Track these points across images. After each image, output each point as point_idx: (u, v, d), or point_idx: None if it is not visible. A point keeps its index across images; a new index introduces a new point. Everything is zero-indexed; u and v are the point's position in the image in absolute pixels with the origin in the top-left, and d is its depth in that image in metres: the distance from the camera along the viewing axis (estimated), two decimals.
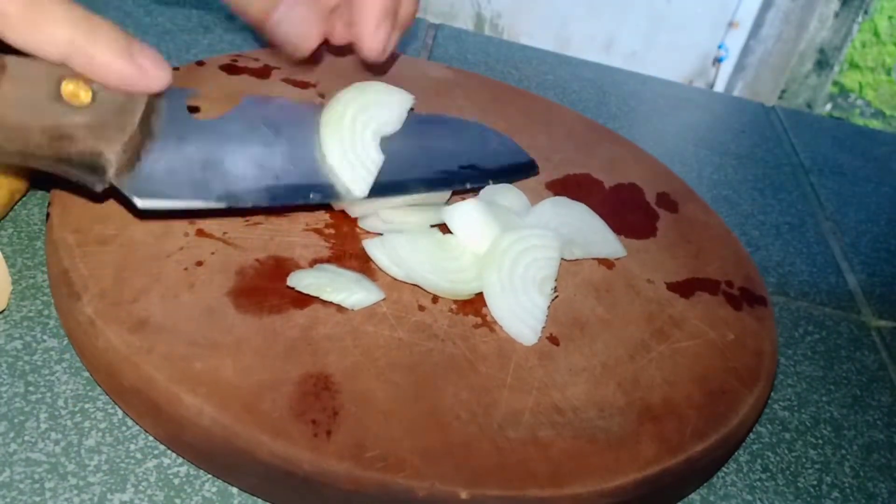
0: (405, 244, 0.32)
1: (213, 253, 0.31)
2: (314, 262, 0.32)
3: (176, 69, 0.42)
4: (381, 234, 0.34)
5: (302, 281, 0.30)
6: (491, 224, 0.33)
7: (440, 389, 0.28)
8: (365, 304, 0.31)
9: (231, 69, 0.43)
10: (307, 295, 0.31)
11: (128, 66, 0.27)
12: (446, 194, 0.37)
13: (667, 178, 0.46)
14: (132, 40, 0.27)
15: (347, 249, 0.34)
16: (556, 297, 0.34)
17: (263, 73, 0.44)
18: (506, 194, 0.38)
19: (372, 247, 0.33)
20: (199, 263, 0.31)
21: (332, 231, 0.34)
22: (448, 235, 0.34)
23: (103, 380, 0.28)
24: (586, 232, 0.37)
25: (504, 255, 0.32)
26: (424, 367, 0.29)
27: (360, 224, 0.35)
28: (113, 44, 0.26)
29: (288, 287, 0.31)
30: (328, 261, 0.33)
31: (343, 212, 0.36)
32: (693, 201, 0.44)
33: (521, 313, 0.32)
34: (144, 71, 0.27)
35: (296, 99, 0.32)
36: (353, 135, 0.33)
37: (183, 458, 0.27)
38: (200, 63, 0.43)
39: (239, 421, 0.25)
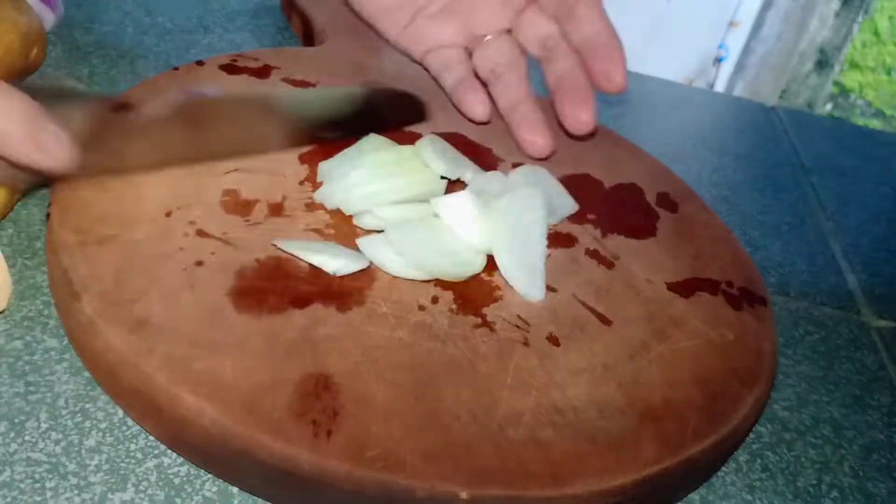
0: (406, 232, 0.33)
1: (212, 253, 0.31)
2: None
3: (175, 69, 0.42)
4: (379, 231, 0.34)
5: (289, 244, 0.32)
6: (483, 214, 0.34)
7: (440, 390, 0.28)
8: (346, 271, 0.31)
9: (231, 69, 0.43)
10: (307, 294, 0.31)
11: (30, 143, 0.27)
12: (441, 187, 0.37)
13: (667, 178, 0.46)
14: (38, 116, 0.28)
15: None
16: (549, 255, 0.36)
17: (263, 72, 0.44)
18: (494, 182, 0.39)
19: (367, 244, 0.33)
20: (199, 263, 0.31)
21: (332, 231, 0.34)
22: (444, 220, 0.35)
23: (103, 380, 0.28)
24: (552, 195, 0.40)
25: (505, 217, 0.34)
26: (425, 367, 0.29)
27: (356, 222, 0.35)
28: (18, 117, 0.27)
29: (286, 287, 0.31)
30: None
31: (341, 211, 0.36)
32: (693, 201, 0.44)
33: (527, 270, 0.33)
34: (47, 150, 0.28)
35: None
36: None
37: (183, 458, 0.27)
38: (200, 63, 0.43)
39: (239, 421, 0.25)
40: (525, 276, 0.33)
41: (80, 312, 0.28)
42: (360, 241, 0.33)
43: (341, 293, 0.31)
